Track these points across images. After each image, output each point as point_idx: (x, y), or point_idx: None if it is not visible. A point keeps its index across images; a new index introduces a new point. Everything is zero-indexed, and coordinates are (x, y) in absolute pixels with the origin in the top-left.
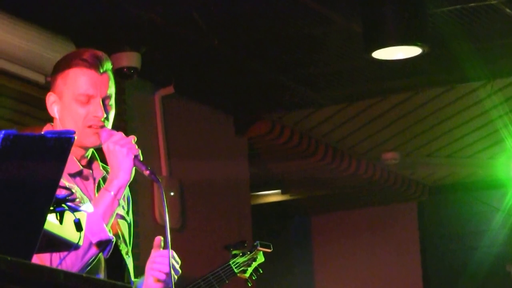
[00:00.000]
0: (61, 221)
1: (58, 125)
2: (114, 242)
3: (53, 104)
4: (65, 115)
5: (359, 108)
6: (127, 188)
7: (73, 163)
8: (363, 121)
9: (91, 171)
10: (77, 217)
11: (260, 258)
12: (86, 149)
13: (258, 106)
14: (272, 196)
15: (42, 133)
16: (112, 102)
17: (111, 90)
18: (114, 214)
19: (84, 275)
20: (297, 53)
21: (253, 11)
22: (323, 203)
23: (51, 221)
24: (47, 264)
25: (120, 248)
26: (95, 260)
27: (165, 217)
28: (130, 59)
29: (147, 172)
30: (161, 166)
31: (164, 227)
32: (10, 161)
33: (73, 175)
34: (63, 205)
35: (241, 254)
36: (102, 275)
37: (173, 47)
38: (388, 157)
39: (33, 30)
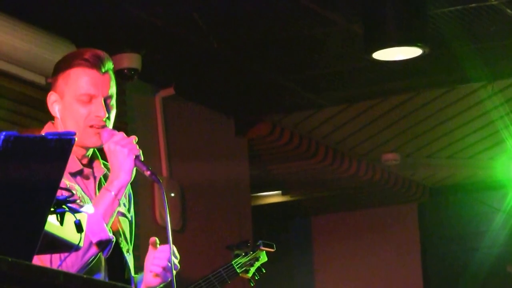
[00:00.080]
0: (61, 222)
1: (60, 125)
2: (114, 242)
3: (54, 104)
4: (67, 115)
5: (360, 109)
6: (129, 185)
7: (74, 162)
8: (364, 122)
9: (91, 170)
10: (78, 219)
11: (263, 258)
12: (87, 148)
13: (259, 108)
14: (273, 197)
15: (43, 134)
16: (114, 102)
17: (113, 90)
18: (115, 214)
19: (84, 276)
20: (298, 54)
21: (253, 12)
22: (323, 204)
23: (51, 222)
24: (48, 265)
25: (121, 246)
26: (95, 260)
27: (166, 217)
28: (131, 60)
29: (148, 173)
30: (162, 167)
31: (166, 226)
32: (11, 162)
33: (73, 174)
34: (64, 206)
35: (243, 254)
36: (102, 274)
37: (173, 49)
38: (388, 158)
39: (34, 32)
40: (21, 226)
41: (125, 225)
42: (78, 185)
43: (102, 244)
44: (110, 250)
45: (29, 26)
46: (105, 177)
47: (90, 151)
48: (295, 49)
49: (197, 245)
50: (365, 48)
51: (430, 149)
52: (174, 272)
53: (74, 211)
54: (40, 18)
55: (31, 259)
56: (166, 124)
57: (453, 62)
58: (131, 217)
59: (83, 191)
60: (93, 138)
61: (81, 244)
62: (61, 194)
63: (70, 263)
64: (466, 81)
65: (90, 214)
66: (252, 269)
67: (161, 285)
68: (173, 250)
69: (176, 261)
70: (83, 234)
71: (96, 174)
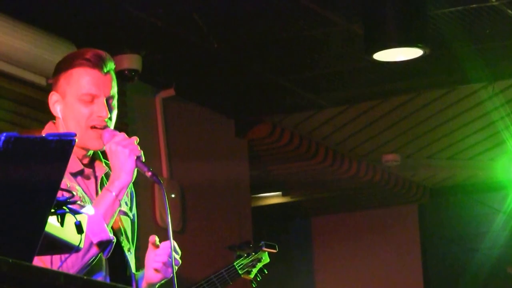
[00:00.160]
0: (62, 224)
1: (61, 125)
2: (114, 242)
3: (55, 104)
4: (68, 115)
5: (360, 110)
6: (131, 184)
7: (74, 162)
8: (364, 123)
9: (92, 170)
10: (78, 220)
11: (265, 259)
12: (88, 149)
13: (259, 108)
14: (273, 198)
15: (43, 135)
16: (115, 102)
17: (114, 90)
18: (115, 215)
19: (84, 277)
20: (298, 55)
21: (254, 13)
22: (323, 205)
23: (52, 224)
24: (48, 265)
25: (123, 244)
26: (95, 260)
27: (167, 218)
28: (131, 61)
29: (149, 174)
30: (162, 168)
31: (166, 226)
32: (11, 163)
33: (74, 174)
34: (64, 207)
35: (245, 255)
36: (103, 273)
37: (174, 50)
38: (388, 159)
39: (34, 33)
40: (22, 227)
41: (126, 224)
42: (79, 185)
43: (103, 245)
44: (111, 250)
45: (29, 26)
46: (107, 175)
47: (91, 151)
48: (295, 50)
49: (197, 245)
50: (366, 49)
51: (430, 150)
52: (176, 267)
53: (74, 212)
54: (40, 19)
55: (31, 260)
56: (167, 125)
57: (453, 63)
58: (133, 215)
59: (84, 191)
60: (95, 142)
61: (82, 245)
62: (61, 195)
63: (70, 264)
64: (467, 82)
65: (90, 215)
66: (254, 270)
67: (162, 281)
68: (174, 246)
69: (177, 257)
70: (83, 235)
71: (97, 174)
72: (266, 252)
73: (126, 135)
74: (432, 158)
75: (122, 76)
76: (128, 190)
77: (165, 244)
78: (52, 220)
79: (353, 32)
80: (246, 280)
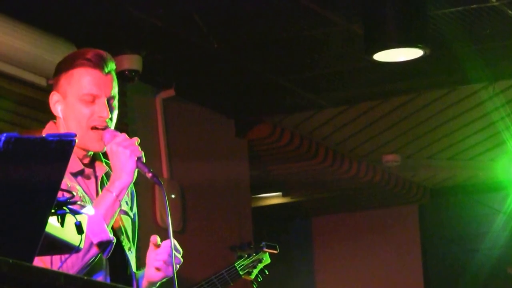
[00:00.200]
0: (62, 224)
1: (62, 125)
2: (115, 241)
3: (56, 104)
4: (69, 115)
5: (360, 110)
6: (131, 184)
7: (75, 162)
8: (364, 123)
9: (93, 170)
10: (78, 220)
11: (266, 260)
12: (89, 150)
13: (259, 108)
14: (273, 198)
15: (43, 135)
16: (116, 103)
17: (115, 90)
18: (116, 215)
19: (85, 277)
20: (298, 55)
21: (254, 13)
22: (324, 205)
23: (52, 224)
24: (48, 266)
25: (123, 243)
26: (96, 260)
27: (168, 219)
28: (131, 61)
29: (149, 175)
30: (162, 168)
31: (167, 227)
32: (12, 163)
33: (74, 174)
34: (65, 207)
35: (246, 255)
36: (104, 273)
37: (174, 50)
38: (389, 159)
39: (34, 33)
40: (22, 228)
41: (127, 223)
42: (79, 185)
43: (103, 245)
44: (111, 251)
45: (29, 27)
46: (107, 175)
47: (92, 151)
48: (295, 50)
49: (198, 246)
50: (366, 49)
51: (430, 150)
52: (177, 266)
53: (74, 212)
54: (40, 19)
55: (32, 260)
56: (167, 125)
57: (453, 63)
58: (134, 215)
59: (84, 191)
60: (96, 143)
61: (82, 246)
62: (61, 195)
63: (70, 264)
64: (467, 82)
65: (91, 215)
66: (255, 271)
67: (163, 280)
68: (174, 244)
69: (179, 255)
70: (83, 235)
71: (97, 173)
72: (267, 253)
73: (127, 135)
74: (432, 158)
75: (122, 77)
76: (129, 189)
77: (166, 243)
78: (52, 221)
79: (353, 32)
80: (246, 281)
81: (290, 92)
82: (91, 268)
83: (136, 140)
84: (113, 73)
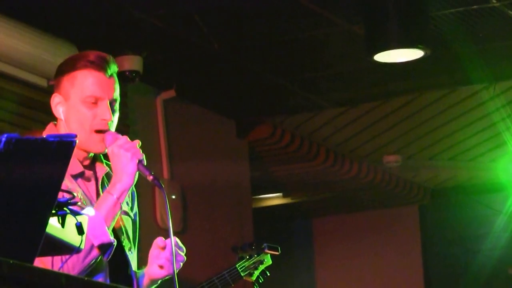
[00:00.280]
0: (62, 225)
1: (63, 126)
2: (116, 242)
3: (58, 105)
4: (71, 117)
5: (361, 111)
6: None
7: (75, 164)
8: (365, 124)
9: (93, 172)
10: (79, 221)
11: (268, 261)
12: (90, 152)
13: (260, 109)
14: (274, 199)
15: (44, 136)
16: (117, 106)
17: (117, 93)
18: (116, 217)
19: (85, 278)
20: (299, 56)
21: (254, 14)
22: (324, 206)
23: (53, 225)
24: (49, 267)
25: (123, 244)
26: (96, 263)
27: (168, 222)
28: (132, 62)
29: (150, 178)
30: (163, 169)
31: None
32: (12, 164)
33: (75, 177)
34: (65, 208)
35: (248, 256)
36: (104, 275)
37: (174, 51)
38: (389, 160)
39: (35, 34)
40: (23, 228)
41: (127, 224)
42: (79, 187)
43: (104, 247)
44: (111, 253)
45: (30, 28)
46: (107, 175)
47: (92, 153)
48: (296, 50)
49: (198, 246)
50: (367, 50)
51: (431, 151)
52: (181, 264)
53: (75, 213)
54: (41, 20)
55: (32, 261)
56: (167, 126)
57: (454, 64)
58: (135, 215)
59: (85, 193)
60: (97, 145)
61: (82, 246)
62: (62, 196)
63: (71, 266)
64: (468, 82)
65: (92, 217)
66: (256, 272)
67: (166, 278)
68: (177, 242)
69: (182, 253)
70: (84, 236)
71: (98, 175)
72: (269, 254)
73: (128, 138)
74: (433, 159)
75: (123, 77)
76: (130, 190)
77: (169, 241)
78: (53, 221)
79: (354, 33)
80: (247, 282)
81: (291, 93)
82: (92, 269)
83: (138, 143)
84: (115, 76)
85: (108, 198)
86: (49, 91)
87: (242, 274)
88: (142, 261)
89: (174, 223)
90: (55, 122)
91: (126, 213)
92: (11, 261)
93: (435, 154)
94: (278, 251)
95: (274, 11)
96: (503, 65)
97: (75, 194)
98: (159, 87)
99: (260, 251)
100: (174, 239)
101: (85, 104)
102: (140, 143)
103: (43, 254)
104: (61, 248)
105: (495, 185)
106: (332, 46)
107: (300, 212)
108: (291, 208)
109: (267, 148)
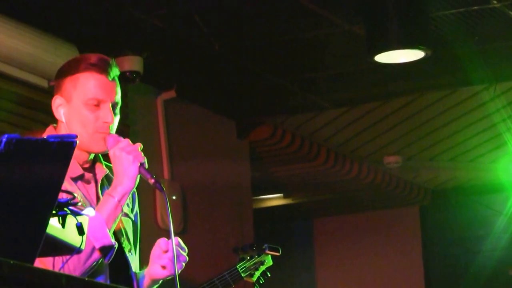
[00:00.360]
0: (63, 225)
1: (64, 128)
2: (116, 247)
3: (59, 107)
4: (73, 119)
5: (361, 111)
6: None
7: (75, 167)
8: (365, 124)
9: (93, 174)
10: (79, 221)
11: (268, 262)
12: (90, 153)
13: (260, 110)
14: (274, 200)
15: (45, 137)
16: (118, 109)
17: (119, 96)
18: (118, 220)
19: (86, 279)
20: (299, 56)
21: (255, 14)
22: (325, 207)
23: (53, 225)
24: (50, 268)
25: (123, 245)
26: (97, 265)
27: (170, 224)
28: (133, 63)
29: (152, 181)
30: (163, 169)
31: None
32: (13, 164)
33: (74, 179)
34: (65, 209)
35: (248, 257)
36: (104, 277)
37: (175, 51)
38: (390, 160)
39: (36, 34)
40: (23, 229)
41: (127, 225)
42: (79, 189)
43: (105, 250)
44: (112, 256)
45: (31, 28)
46: (107, 177)
47: (92, 155)
48: (296, 51)
49: (199, 247)
50: (367, 51)
51: (432, 152)
52: (183, 264)
53: (75, 213)
54: (42, 20)
55: (33, 261)
56: (168, 127)
57: (455, 65)
58: (135, 216)
59: (84, 196)
60: (99, 144)
61: (83, 247)
62: (62, 196)
63: (72, 268)
64: (469, 83)
65: (93, 220)
66: (257, 273)
67: (168, 278)
68: (179, 243)
69: (184, 254)
70: (84, 236)
71: (97, 177)
72: (269, 255)
73: (130, 141)
74: (433, 160)
75: (123, 78)
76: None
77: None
78: (54, 222)
79: (355, 33)
80: (248, 282)
81: (292, 93)
82: (92, 272)
83: (139, 146)
84: (117, 80)
85: (110, 200)
86: (49, 92)
87: (242, 275)
88: (143, 262)
89: (175, 223)
90: (55, 125)
91: (127, 215)
92: (12, 262)
93: (435, 155)
94: (279, 252)
95: (275, 11)
96: (503, 66)
97: (75, 194)
98: (159, 87)
99: (260, 252)
100: (176, 239)
101: (87, 107)
102: (142, 146)
103: (44, 254)
104: (62, 248)
105: (496, 186)
106: (333, 47)
107: (301, 212)
108: (291, 208)
109: (268, 148)
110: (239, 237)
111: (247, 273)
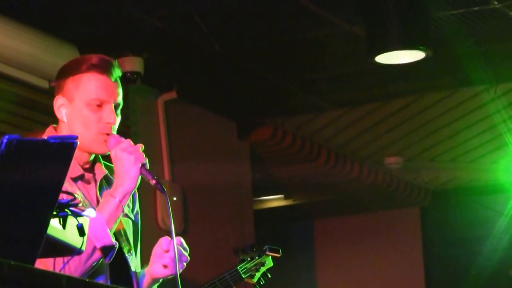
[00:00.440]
0: (64, 226)
1: (65, 129)
2: (117, 248)
3: (61, 107)
4: (75, 119)
5: (362, 112)
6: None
7: (75, 167)
8: (366, 125)
9: (93, 174)
10: (80, 222)
11: (269, 263)
12: (91, 153)
13: (261, 111)
14: (275, 200)
15: (45, 138)
16: (119, 111)
17: (120, 98)
18: (118, 220)
19: (87, 280)
20: (300, 57)
21: (255, 15)
22: (326, 208)
23: (54, 226)
24: (50, 268)
25: (122, 246)
26: (98, 265)
27: (171, 226)
28: (133, 64)
29: (153, 182)
30: (164, 170)
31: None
32: (13, 165)
33: (74, 179)
34: (66, 210)
35: (249, 258)
36: (104, 277)
37: (175, 52)
38: (391, 161)
39: (36, 35)
40: (24, 230)
41: (127, 225)
42: (79, 190)
43: (106, 250)
44: (113, 255)
45: (31, 29)
46: (106, 178)
47: (93, 156)
48: (297, 52)
49: (199, 248)
50: (368, 51)
51: (432, 153)
52: (185, 264)
53: (76, 214)
54: (42, 21)
55: (33, 262)
56: (168, 127)
57: (455, 65)
58: (136, 215)
59: (85, 196)
60: (101, 145)
61: (83, 248)
62: (63, 197)
63: (73, 268)
64: (469, 84)
65: (94, 219)
66: (258, 274)
67: (169, 277)
68: (182, 242)
69: (186, 254)
70: (85, 237)
71: (97, 177)
72: (270, 256)
73: (131, 142)
74: (434, 160)
75: (124, 79)
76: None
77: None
78: (54, 223)
79: (355, 34)
80: (248, 284)
81: (292, 94)
82: (93, 272)
83: (141, 147)
84: (119, 81)
85: (111, 201)
86: (49, 93)
87: (243, 276)
88: (144, 262)
89: (175, 224)
90: (55, 125)
91: (127, 215)
92: (12, 263)
93: (436, 155)
94: (279, 253)
95: (275, 12)
96: (504, 67)
97: (76, 195)
98: (160, 88)
99: (261, 253)
100: (178, 239)
101: (89, 107)
102: (143, 147)
103: (44, 255)
104: (62, 249)
105: (496, 186)
106: (333, 47)
107: (301, 213)
108: (292, 209)
109: (268, 149)
110: (239, 238)
111: (247, 274)
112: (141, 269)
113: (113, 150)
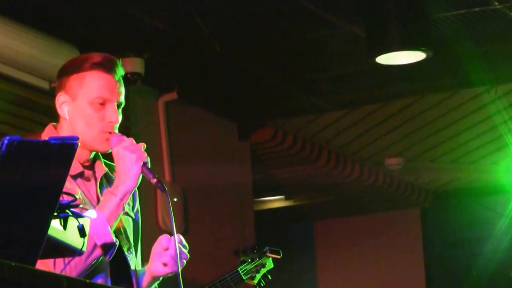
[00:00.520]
0: (64, 227)
1: (67, 126)
2: (117, 245)
3: (63, 105)
4: (77, 117)
5: (363, 113)
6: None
7: (75, 164)
8: (367, 126)
9: (92, 172)
10: (81, 223)
11: (270, 265)
12: (92, 151)
13: (261, 112)
14: (276, 201)
15: (46, 139)
16: (121, 110)
17: (123, 97)
18: (119, 218)
19: (87, 281)
20: (300, 58)
21: (256, 16)
22: (326, 209)
23: (55, 227)
24: (51, 269)
25: (122, 244)
26: (98, 263)
27: (172, 226)
28: (134, 65)
29: (154, 181)
30: (164, 171)
31: (169, 230)
32: (14, 166)
33: (74, 177)
34: (67, 211)
35: (249, 260)
36: (105, 275)
37: (176, 53)
38: (391, 162)
39: (37, 36)
40: (25, 231)
41: (127, 224)
42: (79, 187)
43: (106, 247)
44: (113, 253)
45: (32, 30)
46: (106, 176)
47: (93, 153)
48: (297, 53)
49: (200, 249)
50: (368, 52)
51: (433, 154)
52: (184, 262)
53: (77, 215)
54: (43, 22)
55: (34, 263)
56: (169, 128)
57: (456, 66)
58: (136, 213)
59: (84, 193)
60: (103, 144)
61: (84, 249)
62: (64, 198)
63: (73, 265)
64: (470, 85)
65: (94, 218)
66: (258, 276)
67: (169, 275)
68: (181, 240)
69: (185, 251)
70: (86, 238)
71: (97, 175)
72: (270, 258)
73: (133, 140)
74: (434, 161)
75: (124, 80)
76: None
77: (173, 239)
78: (55, 224)
79: (356, 35)
80: (249, 285)
81: (293, 95)
82: (93, 270)
83: (143, 146)
84: (122, 81)
85: (112, 199)
86: (51, 93)
87: (244, 278)
88: (144, 261)
89: (176, 225)
90: (54, 124)
91: (127, 214)
92: (13, 264)
93: (436, 156)
94: (280, 255)
95: (275, 12)
96: (504, 68)
97: (76, 196)
98: (160, 89)
99: (262, 255)
100: (178, 237)
101: (92, 106)
102: (145, 146)
103: (45, 256)
104: (63, 250)
105: (497, 187)
106: (334, 48)
107: (302, 214)
108: (292, 210)
109: (269, 150)
110: (240, 239)
111: (248, 276)
112: (141, 267)
113: (115, 148)
